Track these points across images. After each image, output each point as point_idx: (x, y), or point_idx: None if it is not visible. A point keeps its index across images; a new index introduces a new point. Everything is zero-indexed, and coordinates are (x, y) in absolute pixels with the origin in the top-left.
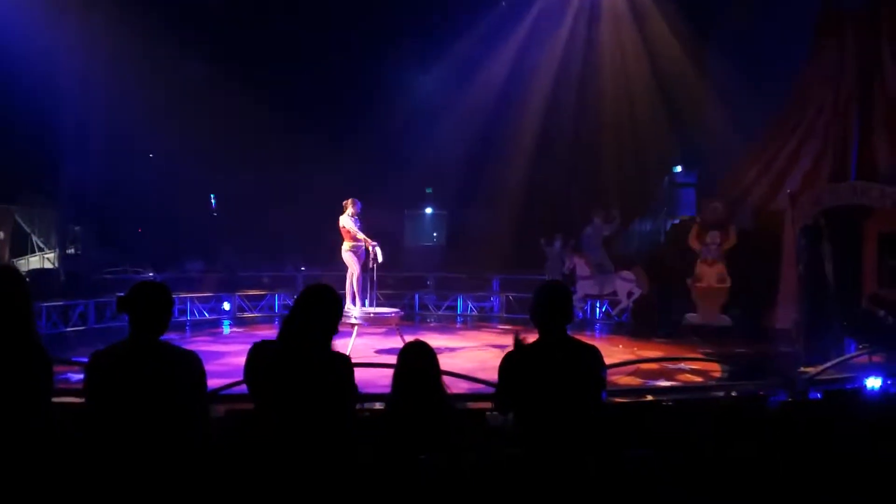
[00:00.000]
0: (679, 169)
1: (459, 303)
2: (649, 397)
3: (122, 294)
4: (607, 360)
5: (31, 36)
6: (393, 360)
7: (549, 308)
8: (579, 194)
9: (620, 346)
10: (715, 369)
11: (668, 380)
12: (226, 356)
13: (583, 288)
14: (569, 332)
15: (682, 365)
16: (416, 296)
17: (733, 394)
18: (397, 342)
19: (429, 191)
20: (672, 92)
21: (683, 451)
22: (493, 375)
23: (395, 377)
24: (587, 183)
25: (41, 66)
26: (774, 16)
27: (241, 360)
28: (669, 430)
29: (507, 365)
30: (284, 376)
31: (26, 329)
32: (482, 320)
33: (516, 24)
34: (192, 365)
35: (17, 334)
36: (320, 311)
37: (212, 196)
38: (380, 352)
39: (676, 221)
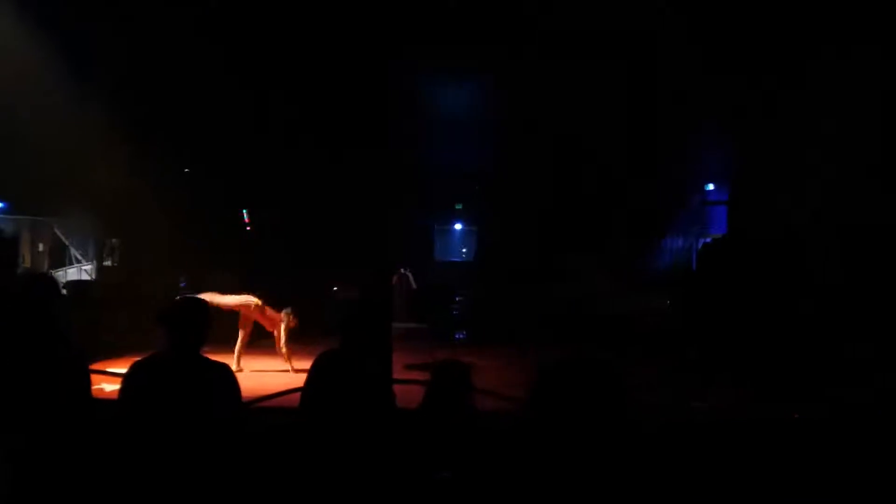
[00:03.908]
0: (711, 187)
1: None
2: None
3: (161, 308)
4: None
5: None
6: (420, 376)
7: None
8: (609, 210)
9: None
10: None
11: None
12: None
13: None
14: None
15: None
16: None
17: None
18: (426, 357)
19: (458, 206)
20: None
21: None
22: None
23: (427, 394)
24: (616, 198)
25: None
26: None
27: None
28: None
29: None
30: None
31: (62, 333)
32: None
33: None
34: (227, 377)
35: (54, 338)
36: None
37: (244, 211)
38: (410, 367)
39: (708, 240)
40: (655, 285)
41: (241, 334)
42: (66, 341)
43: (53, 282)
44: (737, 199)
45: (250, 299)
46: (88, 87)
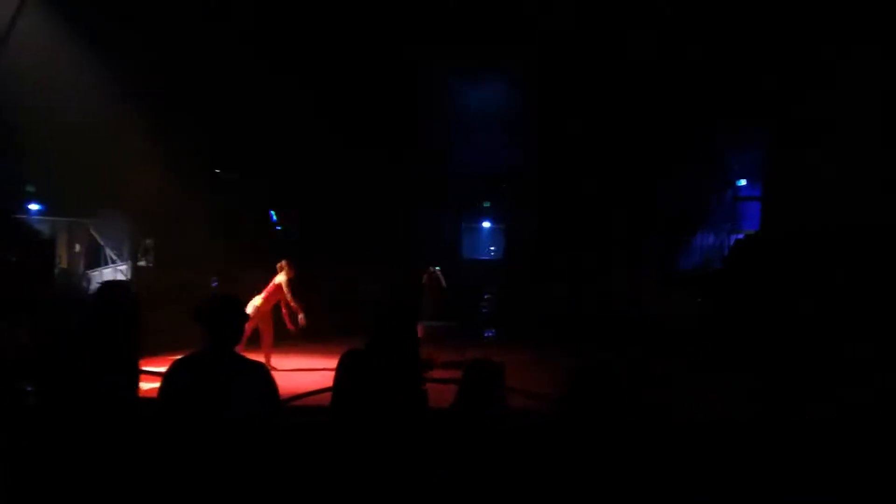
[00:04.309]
0: (744, 182)
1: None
2: None
3: (197, 305)
4: None
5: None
6: (451, 374)
7: None
8: (636, 206)
9: None
10: None
11: None
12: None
13: None
14: None
15: None
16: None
17: None
18: (456, 355)
19: (486, 204)
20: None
21: None
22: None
23: (459, 393)
24: (646, 194)
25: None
26: None
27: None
28: None
29: None
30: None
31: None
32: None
33: None
34: (263, 375)
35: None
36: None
37: (272, 212)
38: (440, 365)
39: (741, 237)
40: (686, 283)
41: (264, 334)
42: (129, 343)
43: (124, 286)
44: (770, 195)
45: (277, 281)
46: (122, 91)
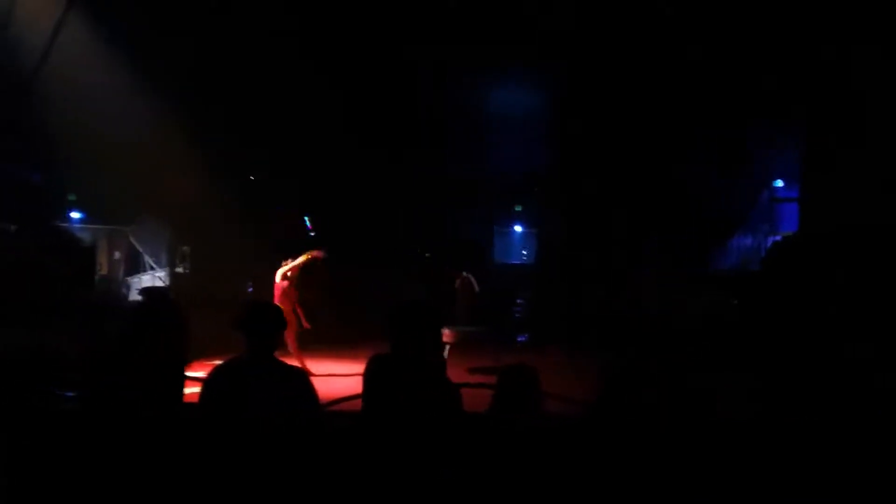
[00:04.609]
0: (780, 183)
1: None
2: None
3: (236, 313)
4: None
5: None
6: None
7: None
8: (670, 208)
9: None
10: None
11: None
12: None
13: None
14: None
15: None
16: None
17: None
18: (490, 360)
19: (518, 208)
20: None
21: None
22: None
23: (494, 397)
24: (680, 195)
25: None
26: None
27: None
28: None
29: None
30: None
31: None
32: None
33: None
34: (303, 381)
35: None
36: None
37: (306, 217)
38: (472, 371)
39: (778, 238)
40: (722, 286)
41: (287, 338)
42: (172, 349)
43: (164, 293)
44: (808, 195)
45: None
46: (158, 101)
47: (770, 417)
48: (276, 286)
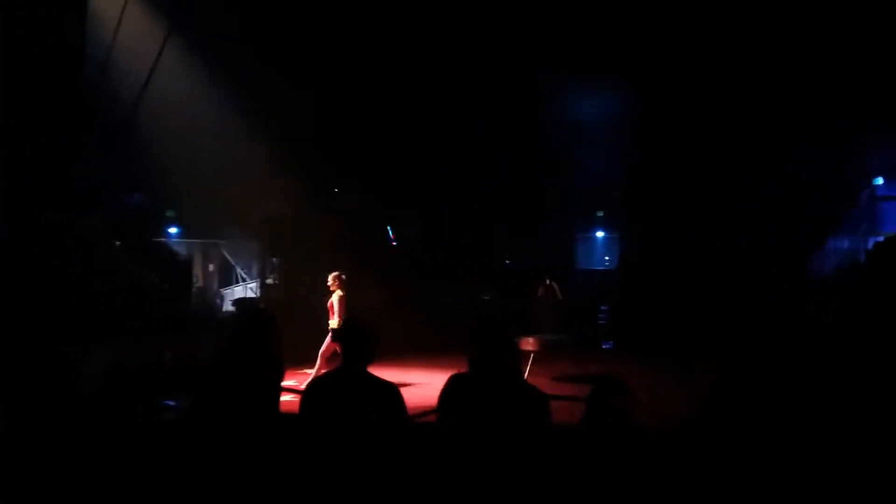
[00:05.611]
0: (881, 181)
1: None
2: None
3: (337, 328)
4: None
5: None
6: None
7: None
8: (763, 211)
9: None
10: None
11: None
12: None
13: None
14: None
15: None
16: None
17: None
18: (575, 369)
19: (600, 214)
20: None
21: None
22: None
23: (587, 409)
24: (772, 199)
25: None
26: None
27: None
28: None
29: None
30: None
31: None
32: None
33: None
34: (394, 395)
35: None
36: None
37: (388, 228)
38: (557, 380)
39: (880, 239)
40: (819, 292)
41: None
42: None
43: (256, 304)
44: None
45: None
46: (248, 121)
47: (872, 432)
48: (331, 305)
